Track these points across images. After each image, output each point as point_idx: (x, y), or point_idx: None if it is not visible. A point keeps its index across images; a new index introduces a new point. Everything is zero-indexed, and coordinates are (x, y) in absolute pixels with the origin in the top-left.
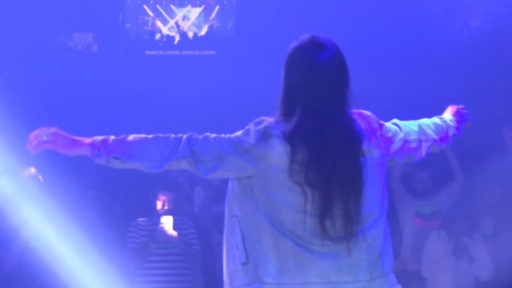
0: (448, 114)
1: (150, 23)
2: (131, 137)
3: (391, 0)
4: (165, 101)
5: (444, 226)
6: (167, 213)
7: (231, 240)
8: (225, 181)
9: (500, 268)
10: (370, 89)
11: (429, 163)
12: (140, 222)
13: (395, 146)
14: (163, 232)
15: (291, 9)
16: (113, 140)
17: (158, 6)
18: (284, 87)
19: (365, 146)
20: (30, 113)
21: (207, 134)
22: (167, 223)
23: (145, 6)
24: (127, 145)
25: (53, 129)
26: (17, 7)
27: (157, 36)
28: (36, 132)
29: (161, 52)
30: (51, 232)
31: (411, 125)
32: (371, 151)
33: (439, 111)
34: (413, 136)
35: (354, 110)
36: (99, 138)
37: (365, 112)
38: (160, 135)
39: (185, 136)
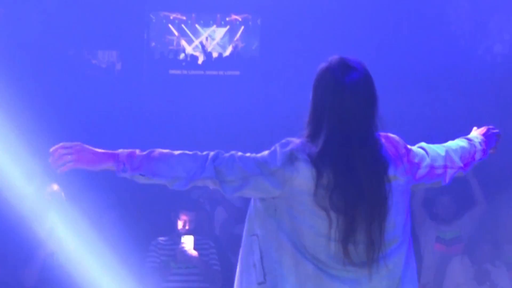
0: (477, 134)
1: (175, 43)
2: (156, 152)
3: (417, 24)
4: (188, 121)
5: (467, 251)
6: (188, 233)
7: (248, 258)
8: (247, 203)
9: None
10: (395, 111)
11: (451, 187)
12: (161, 241)
13: (421, 172)
14: (184, 252)
15: (315, 30)
16: (139, 156)
17: (183, 25)
18: (311, 109)
19: (391, 172)
20: (52, 130)
21: (233, 152)
22: (188, 243)
23: (170, 26)
24: (152, 161)
25: (76, 145)
26: (43, 23)
27: (181, 55)
28: (59, 148)
29: (185, 72)
30: (72, 249)
31: (438, 150)
32: (396, 177)
33: (464, 134)
34: (439, 162)
35: (382, 133)
36: (125, 152)
37: (392, 135)
38: (187, 152)
39: (211, 154)
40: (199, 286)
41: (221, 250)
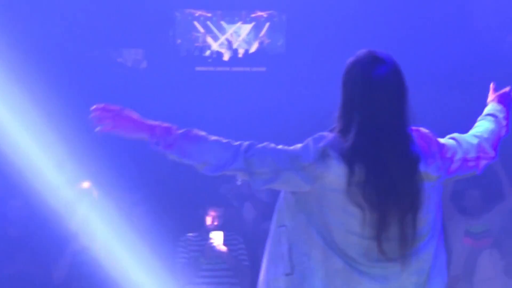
0: (496, 105)
1: (200, 40)
2: (193, 133)
3: (444, 19)
4: (214, 118)
5: (496, 245)
6: (216, 228)
7: (276, 249)
8: (275, 198)
9: None
10: (424, 105)
11: (479, 181)
12: (190, 237)
13: (455, 165)
14: (213, 248)
15: (340, 26)
16: (175, 133)
17: (208, 22)
18: (341, 103)
19: (422, 168)
20: (78, 129)
21: (266, 143)
22: (217, 238)
23: (195, 23)
24: (186, 142)
25: (117, 109)
26: (68, 21)
27: (207, 52)
28: (100, 108)
29: (211, 69)
30: (102, 244)
31: (471, 140)
32: (427, 173)
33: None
34: (472, 154)
35: (413, 128)
36: (162, 126)
37: (424, 130)
38: (221, 139)
39: (245, 144)
40: (229, 281)
41: (250, 245)
